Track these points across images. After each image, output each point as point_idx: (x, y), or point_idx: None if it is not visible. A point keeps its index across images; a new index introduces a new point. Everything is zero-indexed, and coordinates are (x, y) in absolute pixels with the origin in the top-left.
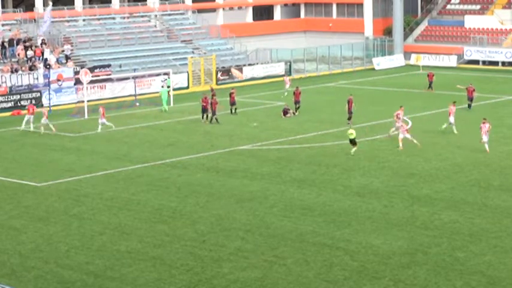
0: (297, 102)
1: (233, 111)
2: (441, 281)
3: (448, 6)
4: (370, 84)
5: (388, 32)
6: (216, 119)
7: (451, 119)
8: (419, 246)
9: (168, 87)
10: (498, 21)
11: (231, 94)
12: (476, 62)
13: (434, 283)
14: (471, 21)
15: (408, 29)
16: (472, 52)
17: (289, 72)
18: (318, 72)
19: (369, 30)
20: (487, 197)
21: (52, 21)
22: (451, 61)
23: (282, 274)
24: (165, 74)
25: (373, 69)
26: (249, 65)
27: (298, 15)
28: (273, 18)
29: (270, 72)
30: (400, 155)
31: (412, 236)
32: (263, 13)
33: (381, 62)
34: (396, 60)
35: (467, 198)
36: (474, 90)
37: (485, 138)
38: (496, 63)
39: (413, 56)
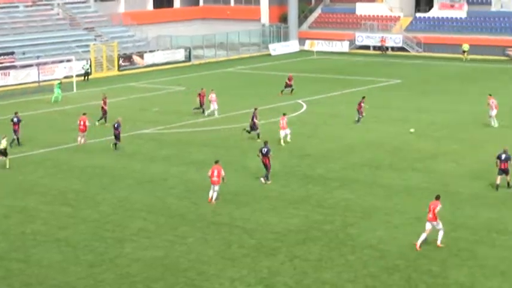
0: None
1: None
2: (335, 256)
3: None
4: (266, 69)
5: (284, 19)
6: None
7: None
8: (314, 223)
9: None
10: (388, 9)
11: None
12: (367, 47)
13: (328, 258)
14: (362, 9)
15: (303, 16)
16: (363, 38)
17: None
18: (217, 58)
19: (265, 17)
20: (377, 175)
21: None
22: (344, 46)
23: (183, 253)
24: (67, 61)
25: (270, 54)
26: (150, 51)
27: (197, 3)
28: (172, 6)
29: (170, 59)
30: (295, 137)
31: (307, 214)
32: (163, 1)
33: (277, 48)
34: (291, 46)
35: (359, 177)
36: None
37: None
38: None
39: (307, 42)
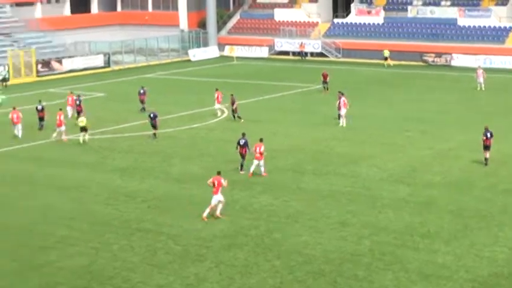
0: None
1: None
2: (261, 261)
3: (258, 0)
4: (186, 74)
5: (203, 24)
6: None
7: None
8: (240, 229)
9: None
10: (305, 14)
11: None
12: (286, 53)
13: (254, 263)
14: (280, 14)
15: (221, 21)
16: (282, 43)
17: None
18: (137, 63)
19: (183, 23)
20: (301, 180)
21: None
22: (263, 52)
23: (108, 260)
24: None
25: (189, 60)
26: (69, 57)
27: (115, 9)
28: (90, 12)
29: (89, 64)
30: (218, 142)
31: (233, 219)
32: (80, 6)
33: (197, 54)
34: (211, 51)
35: (283, 182)
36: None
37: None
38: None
39: (227, 47)
